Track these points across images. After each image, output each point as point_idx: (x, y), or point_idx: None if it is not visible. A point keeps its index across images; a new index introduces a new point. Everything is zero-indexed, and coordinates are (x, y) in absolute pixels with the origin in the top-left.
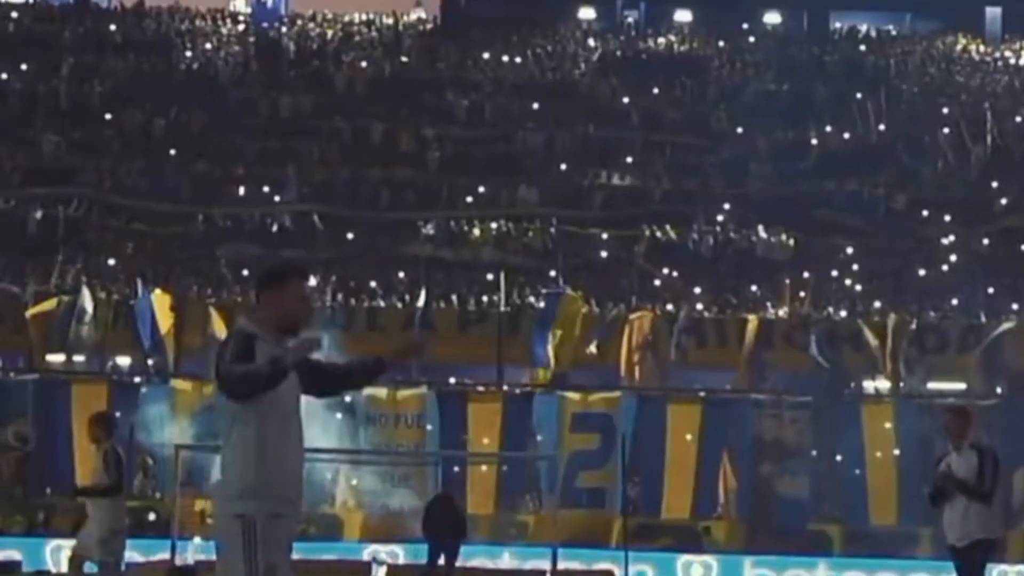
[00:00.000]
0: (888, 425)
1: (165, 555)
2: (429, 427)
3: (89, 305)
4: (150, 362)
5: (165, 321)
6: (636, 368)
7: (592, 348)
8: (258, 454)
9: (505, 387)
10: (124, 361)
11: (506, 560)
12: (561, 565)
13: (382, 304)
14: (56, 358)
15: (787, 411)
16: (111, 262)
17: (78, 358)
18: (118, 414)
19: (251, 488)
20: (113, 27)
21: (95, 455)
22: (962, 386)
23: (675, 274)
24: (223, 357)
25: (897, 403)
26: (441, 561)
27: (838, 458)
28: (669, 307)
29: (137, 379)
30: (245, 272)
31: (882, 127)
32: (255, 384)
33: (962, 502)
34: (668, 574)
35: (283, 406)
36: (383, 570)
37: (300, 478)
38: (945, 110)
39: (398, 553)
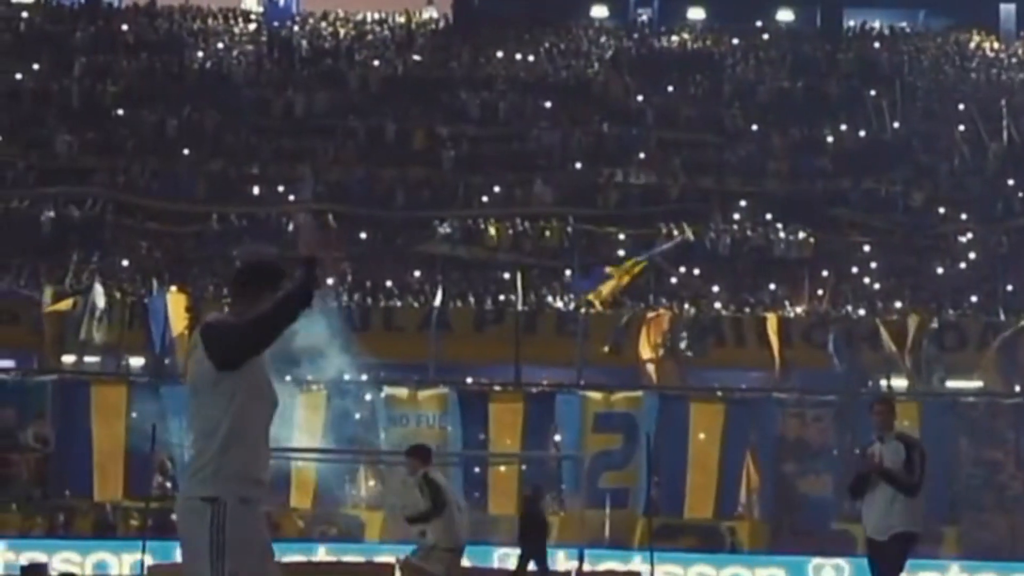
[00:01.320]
0: (911, 424)
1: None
2: (450, 427)
3: (103, 305)
4: (166, 362)
5: (179, 321)
6: (654, 367)
7: (606, 348)
8: (244, 432)
9: (534, 387)
10: (138, 362)
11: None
12: (585, 567)
13: (398, 304)
14: (71, 358)
15: (809, 410)
16: (125, 262)
17: (92, 358)
18: (134, 415)
19: (230, 470)
20: (125, 27)
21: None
22: (980, 384)
23: (694, 272)
24: (220, 334)
25: (920, 402)
26: (532, 566)
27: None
28: (687, 306)
29: (155, 380)
30: None
31: (896, 124)
32: (283, 315)
33: (886, 494)
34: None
35: (263, 375)
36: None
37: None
38: (960, 107)
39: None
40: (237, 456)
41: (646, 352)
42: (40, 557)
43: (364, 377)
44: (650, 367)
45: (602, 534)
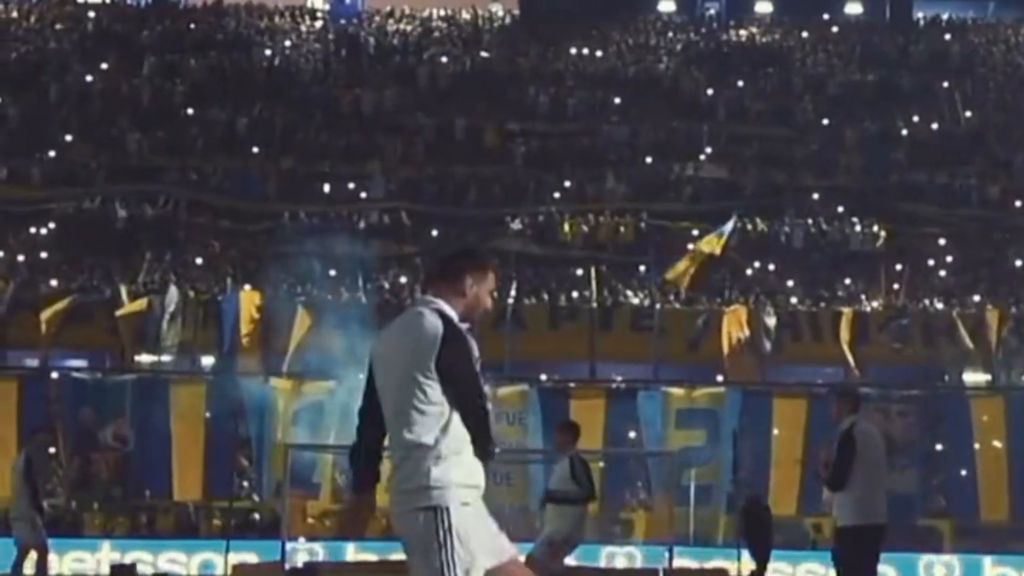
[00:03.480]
0: (997, 418)
1: (275, 557)
2: (531, 425)
3: (177, 304)
4: (239, 361)
5: (250, 319)
6: (735, 363)
7: (687, 346)
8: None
9: (615, 383)
10: (211, 361)
11: (618, 560)
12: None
13: None
14: (147, 358)
15: (894, 404)
16: (199, 260)
17: (167, 358)
18: (208, 415)
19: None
20: (192, 25)
21: (559, 463)
22: None
23: (770, 267)
24: (460, 354)
25: (1005, 395)
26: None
27: (946, 452)
28: (763, 301)
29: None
30: (332, 272)
31: (969, 116)
32: (485, 428)
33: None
34: None
35: None
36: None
37: None
38: None
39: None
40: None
41: (726, 348)
42: (125, 557)
43: None
44: (730, 363)
45: (687, 531)
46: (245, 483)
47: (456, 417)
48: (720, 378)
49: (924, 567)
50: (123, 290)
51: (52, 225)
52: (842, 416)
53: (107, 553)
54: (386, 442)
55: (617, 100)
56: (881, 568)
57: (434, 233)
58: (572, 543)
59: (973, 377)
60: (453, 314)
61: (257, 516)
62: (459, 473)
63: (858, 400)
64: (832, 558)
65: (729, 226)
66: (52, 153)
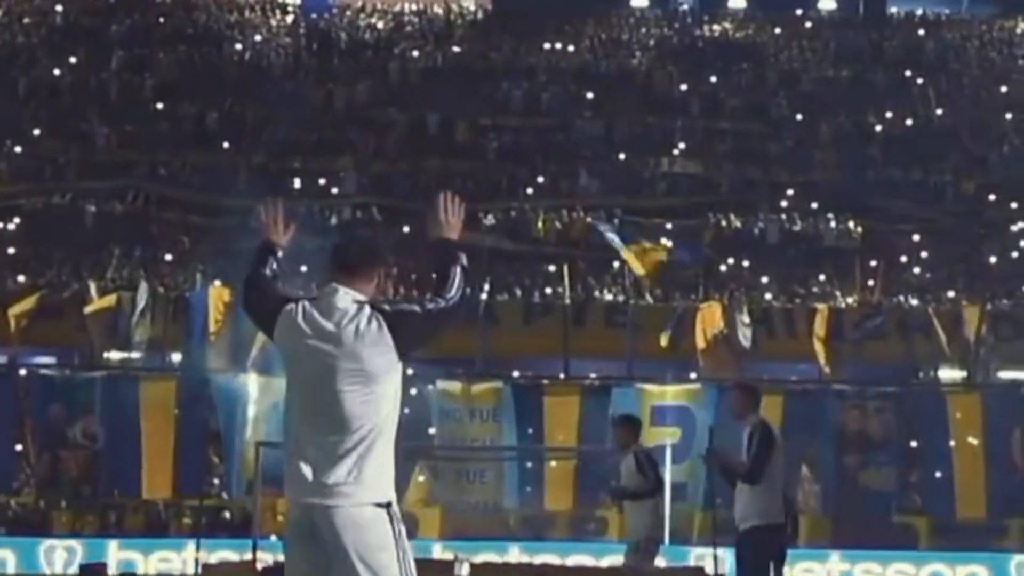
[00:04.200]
0: (974, 415)
1: (246, 555)
2: (504, 421)
3: (146, 301)
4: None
5: (219, 316)
6: (710, 359)
7: (664, 340)
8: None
9: (589, 379)
10: (180, 357)
11: (588, 559)
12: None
13: None
14: (116, 355)
15: (871, 401)
16: (168, 256)
17: (136, 354)
18: (177, 411)
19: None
20: (161, 19)
21: (624, 459)
22: None
23: (744, 263)
24: (413, 322)
25: (984, 393)
26: None
27: (923, 449)
28: (737, 296)
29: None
30: (304, 267)
31: (943, 112)
32: (460, 306)
33: (742, 485)
34: None
35: None
36: (465, 567)
37: None
38: (1007, 94)
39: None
40: (390, 457)
41: (701, 344)
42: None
43: (411, 371)
44: (705, 359)
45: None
46: (215, 480)
47: None
48: (693, 375)
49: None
50: (92, 286)
51: (19, 220)
52: (746, 410)
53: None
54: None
55: (590, 95)
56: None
57: (405, 229)
58: (656, 540)
59: (948, 374)
60: None
61: (228, 514)
62: None
63: (760, 395)
64: (736, 558)
65: (608, 231)
66: (19, 148)
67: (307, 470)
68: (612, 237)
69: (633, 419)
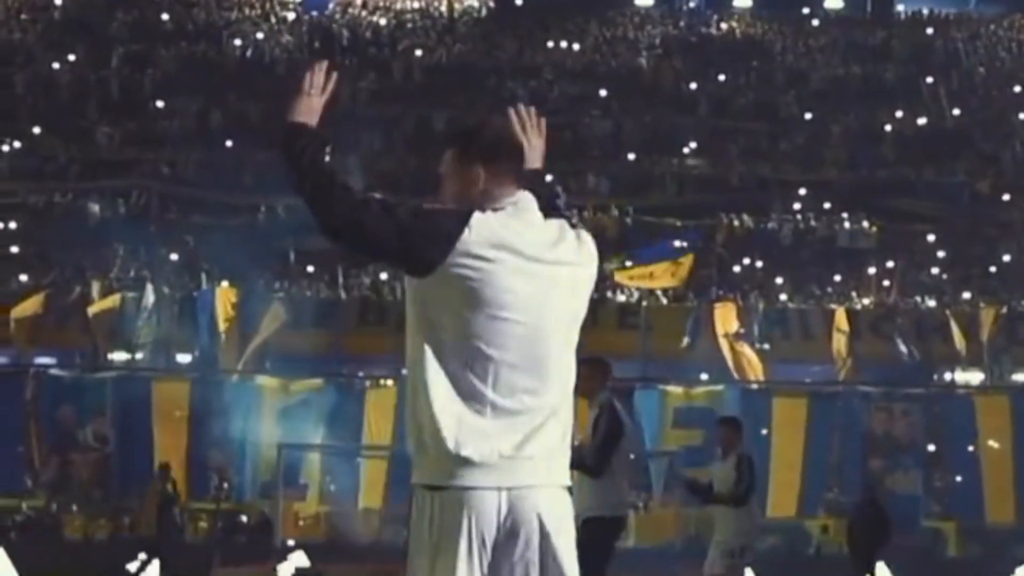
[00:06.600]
0: (1002, 418)
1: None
2: None
3: (152, 301)
4: (219, 358)
5: (227, 316)
6: (730, 360)
7: (684, 343)
8: None
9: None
10: (187, 358)
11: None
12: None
13: None
14: (122, 356)
15: (897, 404)
16: (173, 256)
17: (141, 355)
18: (190, 414)
19: None
20: (162, 15)
21: (724, 462)
22: None
23: (758, 264)
24: None
25: (1011, 395)
26: None
27: (950, 452)
28: (752, 298)
29: (217, 376)
30: (311, 268)
31: (956, 112)
32: None
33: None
34: None
35: None
36: None
37: None
38: (1018, 90)
39: None
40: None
41: (722, 346)
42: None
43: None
44: (723, 361)
45: (687, 531)
46: (225, 484)
47: None
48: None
49: None
50: (95, 286)
51: (21, 219)
52: (594, 389)
53: None
54: None
55: (599, 93)
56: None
57: None
58: (751, 548)
59: (964, 376)
60: None
61: (244, 518)
62: None
63: (610, 371)
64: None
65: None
66: (19, 144)
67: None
68: None
69: (736, 421)
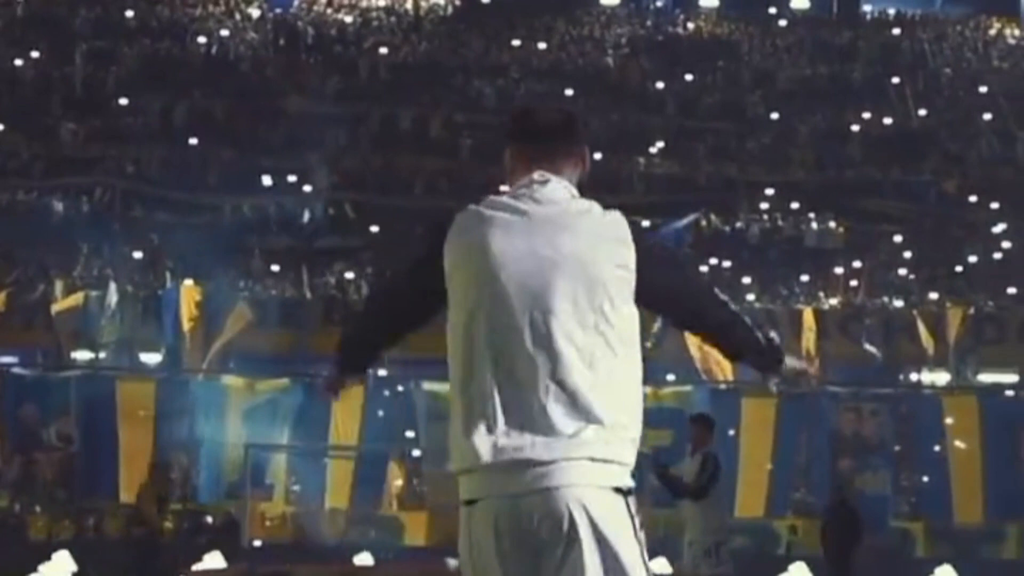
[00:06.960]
0: (970, 418)
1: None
2: None
3: (115, 299)
4: (184, 358)
5: (192, 315)
6: (699, 361)
7: (649, 344)
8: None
9: None
10: (152, 357)
11: None
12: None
13: None
14: (85, 355)
15: (865, 404)
16: (137, 254)
17: (104, 354)
18: (141, 412)
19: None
20: (129, 13)
21: (691, 459)
22: (1015, 378)
23: (725, 264)
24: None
25: (979, 395)
26: None
27: (918, 452)
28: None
29: (183, 375)
30: (275, 267)
31: (922, 112)
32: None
33: None
34: None
35: None
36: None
37: None
38: (985, 94)
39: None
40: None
41: (690, 345)
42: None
43: (383, 372)
44: (696, 361)
45: (655, 532)
46: (191, 484)
47: None
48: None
49: None
50: (59, 285)
51: None
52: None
53: None
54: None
55: (565, 93)
56: None
57: (380, 225)
58: (726, 544)
59: (931, 376)
60: None
61: (210, 519)
62: None
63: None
64: None
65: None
66: None
67: None
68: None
69: (708, 418)
